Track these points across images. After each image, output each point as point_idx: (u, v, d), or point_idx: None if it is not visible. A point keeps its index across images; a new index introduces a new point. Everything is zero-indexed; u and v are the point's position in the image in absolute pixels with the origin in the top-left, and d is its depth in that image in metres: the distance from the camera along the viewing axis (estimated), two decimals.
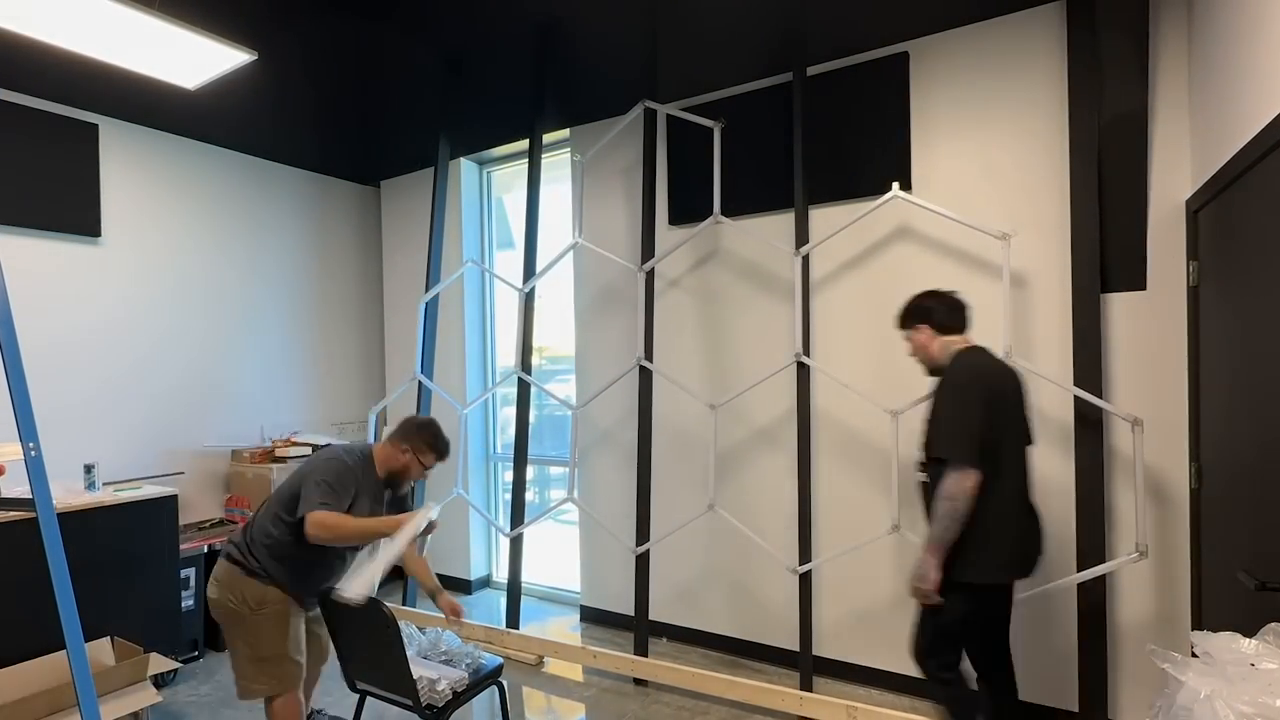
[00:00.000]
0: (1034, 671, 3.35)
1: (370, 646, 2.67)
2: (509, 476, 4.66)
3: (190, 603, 4.19)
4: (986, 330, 3.43)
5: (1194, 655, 1.76)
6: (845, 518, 3.84)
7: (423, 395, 4.85)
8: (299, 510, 2.58)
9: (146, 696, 3.38)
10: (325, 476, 2.62)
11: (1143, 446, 2.99)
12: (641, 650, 4.01)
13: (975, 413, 2.52)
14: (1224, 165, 2.56)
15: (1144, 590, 3.18)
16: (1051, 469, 3.34)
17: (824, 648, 3.90)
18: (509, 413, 4.95)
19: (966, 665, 2.79)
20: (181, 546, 4.10)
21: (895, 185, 3.45)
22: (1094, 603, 3.19)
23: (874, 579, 3.79)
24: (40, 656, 3.38)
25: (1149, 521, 3.11)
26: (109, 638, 3.63)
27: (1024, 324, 3.39)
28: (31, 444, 1.96)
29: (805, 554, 3.70)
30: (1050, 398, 3.33)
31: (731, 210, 4.02)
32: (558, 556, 5.31)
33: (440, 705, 2.66)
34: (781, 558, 3.74)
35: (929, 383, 3.50)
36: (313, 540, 2.53)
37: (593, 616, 4.83)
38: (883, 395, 3.63)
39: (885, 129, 3.72)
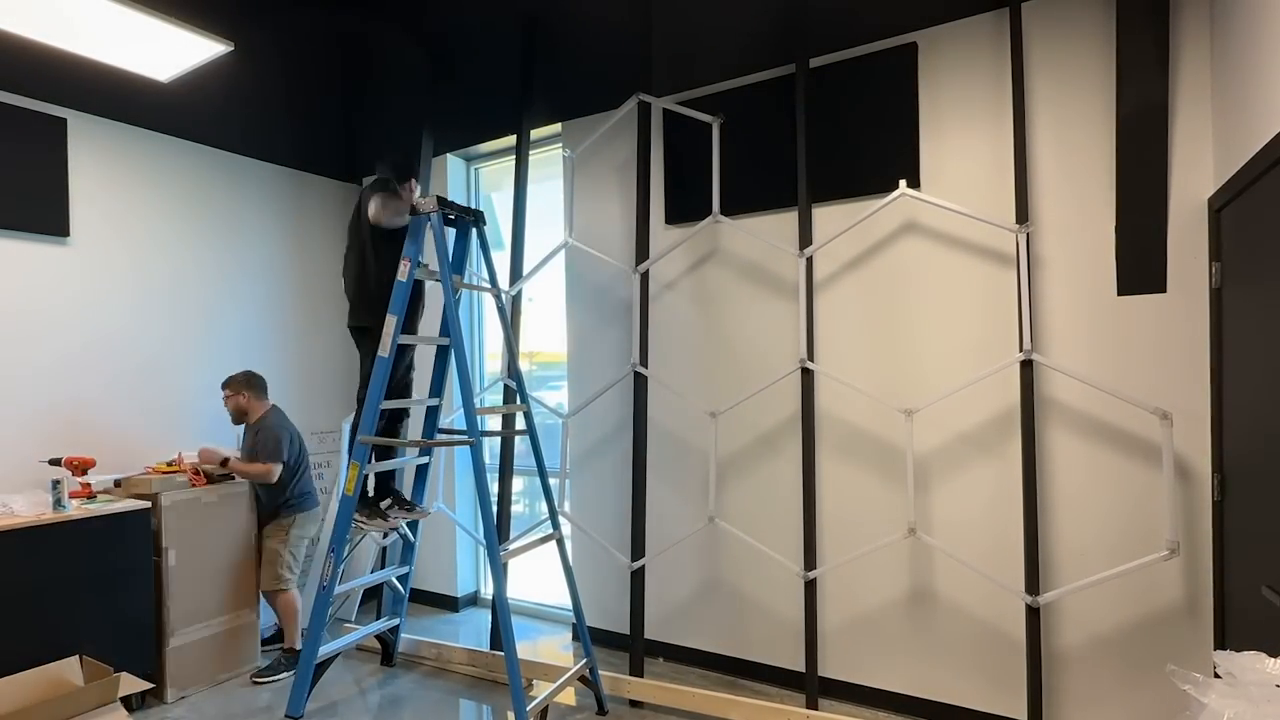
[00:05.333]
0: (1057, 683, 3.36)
1: None
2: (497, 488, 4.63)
3: None
4: (996, 327, 3.46)
5: (1217, 676, 1.76)
6: (851, 525, 3.84)
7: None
8: None
9: (117, 719, 3.37)
10: None
11: (1171, 439, 2.96)
12: (637, 671, 4.01)
13: None
14: (1248, 161, 2.56)
15: (1163, 607, 3.18)
16: (1069, 466, 3.35)
17: (829, 667, 3.89)
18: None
19: None
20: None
21: (903, 183, 3.46)
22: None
23: (883, 590, 3.78)
24: (4, 676, 3.37)
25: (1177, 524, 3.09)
26: (78, 657, 3.62)
27: (1038, 320, 3.39)
28: None
29: (811, 561, 3.70)
30: (1070, 392, 3.34)
31: (731, 209, 4.03)
32: (549, 572, 5.29)
33: None
34: (789, 564, 3.75)
35: (937, 380, 3.54)
36: None
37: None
38: (889, 394, 3.65)
39: (892, 123, 3.73)
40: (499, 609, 3.23)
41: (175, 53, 3.34)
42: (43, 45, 3.18)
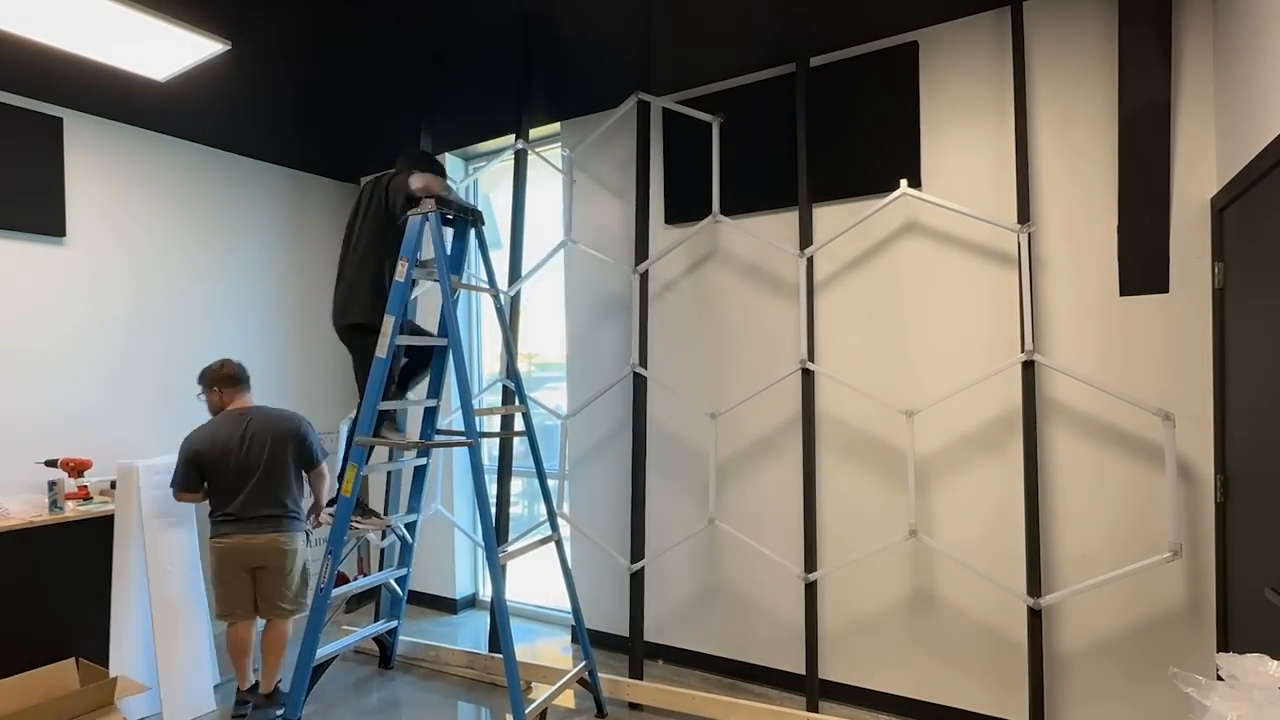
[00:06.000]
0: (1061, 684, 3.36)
1: None
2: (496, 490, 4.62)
3: None
4: (997, 328, 3.46)
5: (1219, 678, 1.76)
6: (852, 527, 3.84)
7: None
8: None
9: None
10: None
11: (1174, 440, 2.96)
12: (636, 673, 4.01)
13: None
14: (1251, 161, 2.56)
15: (1165, 610, 3.18)
16: (1071, 468, 3.35)
17: (830, 670, 3.89)
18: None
19: None
20: None
21: (903, 183, 3.46)
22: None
23: (884, 592, 3.78)
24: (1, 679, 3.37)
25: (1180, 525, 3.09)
26: (74, 659, 3.62)
27: (1040, 320, 3.39)
28: None
29: (811, 563, 3.70)
30: (1072, 393, 3.34)
31: (731, 209, 4.03)
32: (547, 574, 5.28)
33: None
34: (789, 566, 3.74)
35: (938, 381, 3.55)
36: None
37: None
38: (890, 395, 3.65)
39: (893, 123, 3.73)
40: (497, 611, 3.23)
41: (172, 52, 3.33)
42: (39, 44, 3.18)
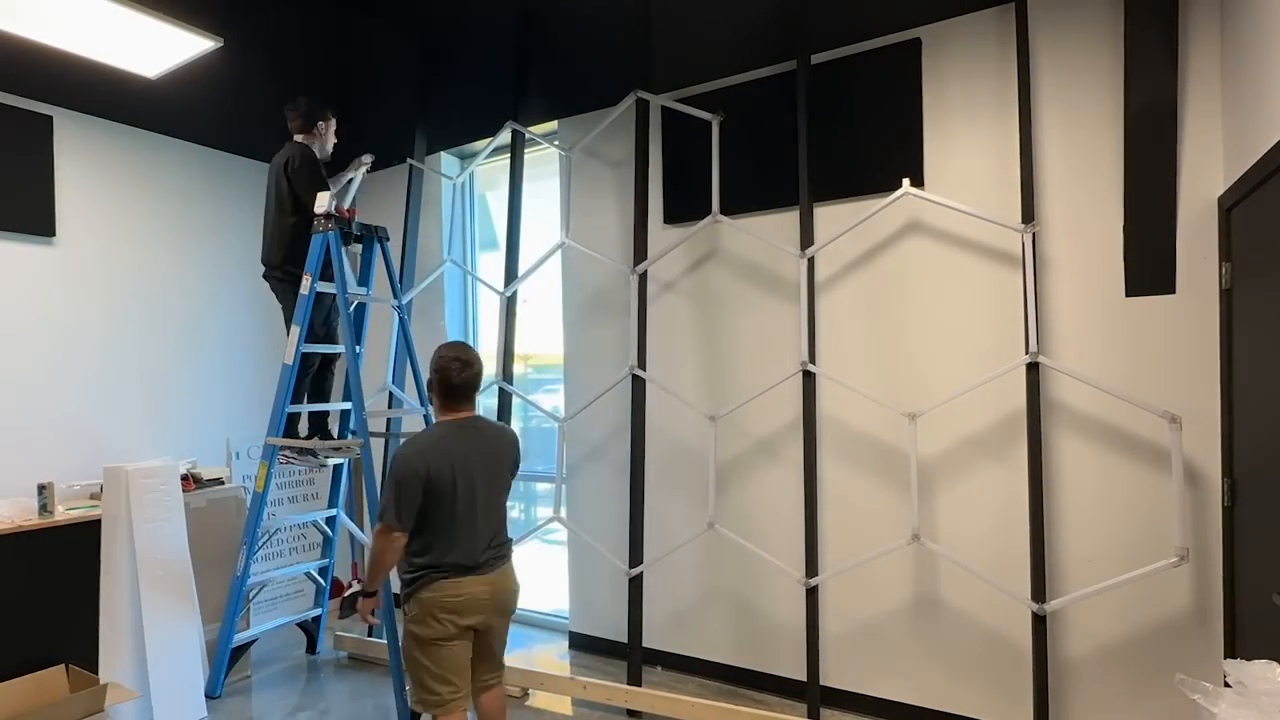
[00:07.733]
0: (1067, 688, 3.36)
1: None
2: None
3: None
4: (1001, 329, 3.45)
5: (1227, 685, 1.75)
6: (854, 531, 3.83)
7: (393, 406, 4.82)
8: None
9: None
10: None
11: (1180, 444, 2.94)
12: (635, 680, 3.99)
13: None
14: (1260, 160, 2.56)
15: (1172, 615, 3.17)
16: (1076, 471, 3.35)
17: (831, 676, 3.89)
18: None
19: None
20: None
21: (906, 181, 3.46)
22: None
23: (886, 598, 3.78)
24: None
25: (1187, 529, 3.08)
26: (64, 666, 3.61)
27: (1044, 322, 3.38)
28: None
29: (812, 567, 3.69)
30: (1077, 396, 3.33)
31: (731, 209, 4.02)
32: (545, 579, 5.29)
33: None
34: (790, 571, 3.74)
35: (941, 383, 3.56)
36: None
37: (582, 644, 4.80)
38: (892, 398, 3.64)
39: (896, 121, 3.73)
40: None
41: (163, 49, 3.33)
42: (28, 41, 3.17)
